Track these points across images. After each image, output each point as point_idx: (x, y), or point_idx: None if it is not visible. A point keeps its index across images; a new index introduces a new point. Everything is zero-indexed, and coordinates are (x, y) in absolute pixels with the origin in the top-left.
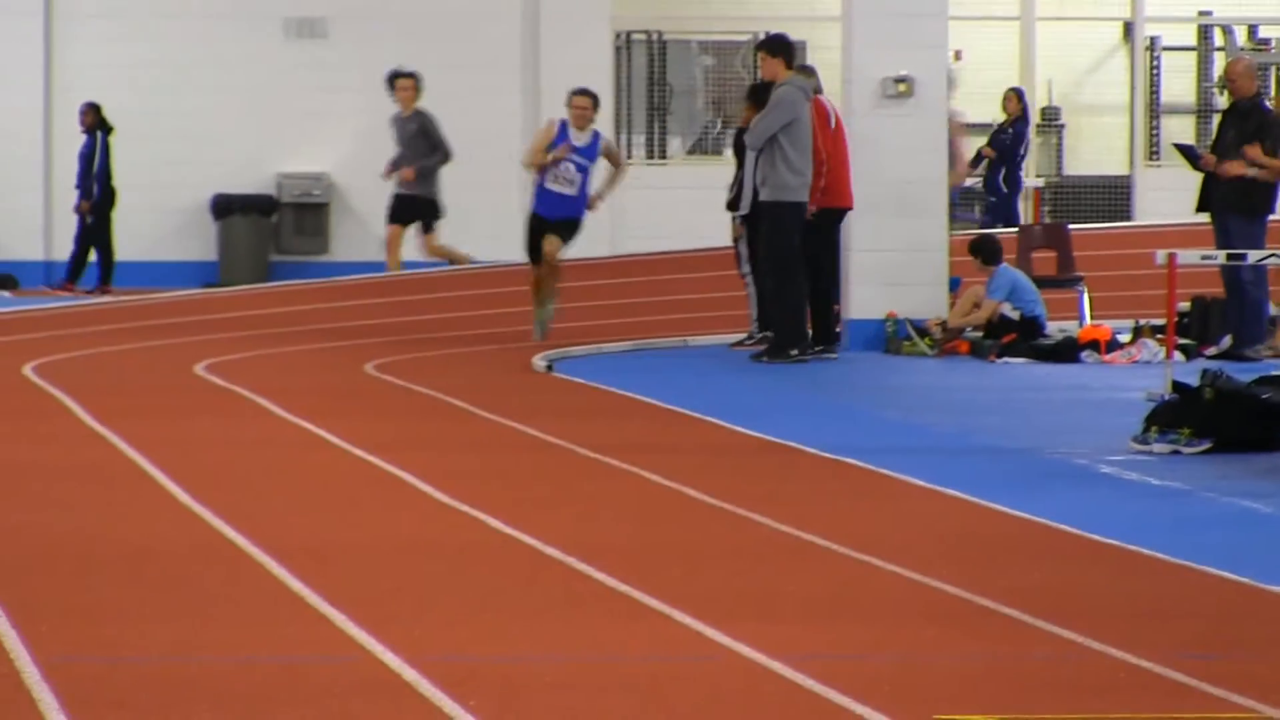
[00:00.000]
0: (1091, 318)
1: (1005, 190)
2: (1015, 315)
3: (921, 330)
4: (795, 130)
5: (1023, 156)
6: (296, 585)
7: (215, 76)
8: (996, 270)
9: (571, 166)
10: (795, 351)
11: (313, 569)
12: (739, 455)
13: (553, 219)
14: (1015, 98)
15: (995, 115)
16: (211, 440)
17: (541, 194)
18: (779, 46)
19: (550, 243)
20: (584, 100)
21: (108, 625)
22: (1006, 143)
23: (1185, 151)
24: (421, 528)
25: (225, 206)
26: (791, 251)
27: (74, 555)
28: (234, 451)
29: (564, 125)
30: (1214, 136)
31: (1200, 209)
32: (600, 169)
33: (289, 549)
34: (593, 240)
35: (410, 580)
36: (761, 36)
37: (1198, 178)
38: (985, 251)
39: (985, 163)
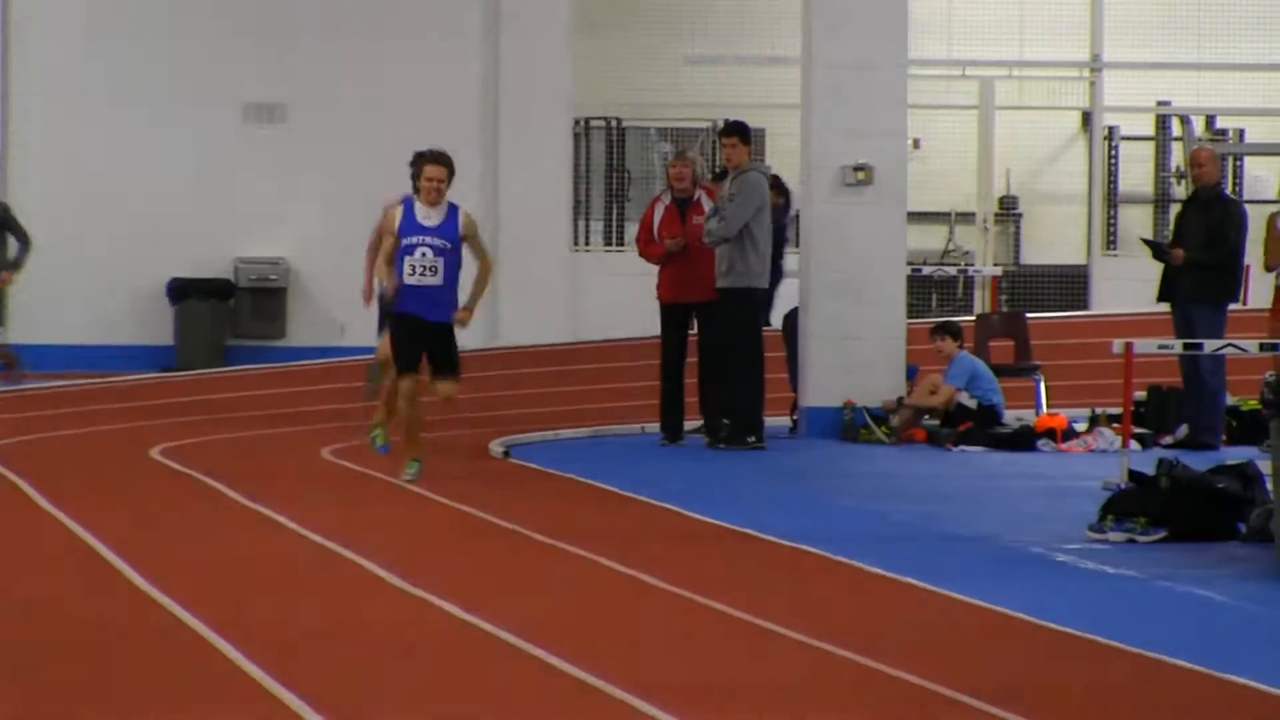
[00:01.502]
0: (1048, 406)
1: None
2: (973, 404)
3: (879, 419)
4: (763, 217)
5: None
6: (254, 670)
7: (173, 160)
8: (955, 358)
9: (429, 252)
10: (753, 439)
11: (270, 654)
12: (696, 542)
13: (432, 321)
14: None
15: (954, 204)
16: (168, 524)
17: (407, 292)
18: (748, 132)
19: (448, 387)
20: (436, 170)
21: (67, 709)
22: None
23: (1153, 246)
24: (377, 613)
25: (182, 290)
26: (760, 338)
27: (28, 640)
28: (190, 536)
29: (409, 203)
30: (1173, 226)
31: (1161, 298)
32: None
33: (246, 633)
34: (551, 327)
35: (366, 665)
36: (720, 124)
37: (1158, 267)
38: (951, 330)
39: None
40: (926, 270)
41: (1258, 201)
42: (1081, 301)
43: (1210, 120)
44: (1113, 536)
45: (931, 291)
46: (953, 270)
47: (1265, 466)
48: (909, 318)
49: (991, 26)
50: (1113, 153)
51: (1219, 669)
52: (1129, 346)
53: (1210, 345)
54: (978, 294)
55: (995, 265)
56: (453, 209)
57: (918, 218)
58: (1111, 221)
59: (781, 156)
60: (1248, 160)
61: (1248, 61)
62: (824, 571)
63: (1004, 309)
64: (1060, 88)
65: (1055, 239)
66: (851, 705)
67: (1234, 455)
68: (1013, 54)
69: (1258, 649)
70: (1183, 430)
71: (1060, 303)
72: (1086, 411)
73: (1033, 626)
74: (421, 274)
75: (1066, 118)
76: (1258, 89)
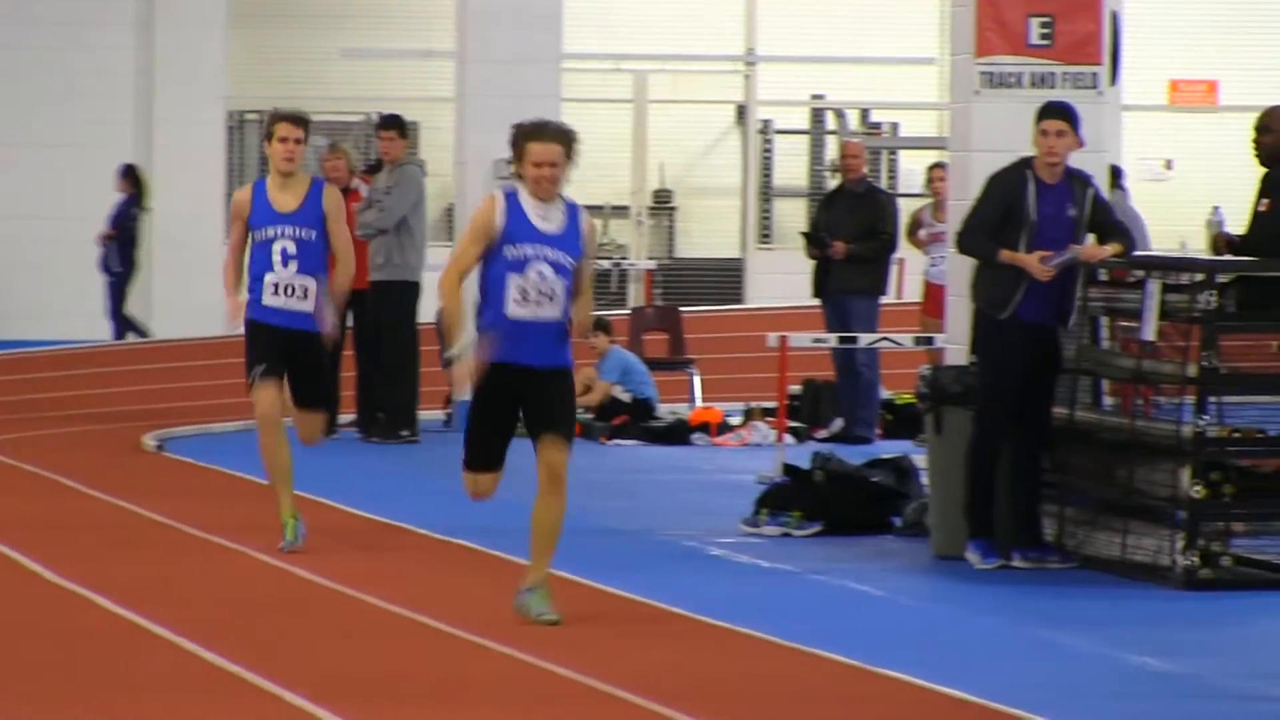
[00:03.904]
0: (703, 400)
1: (121, 269)
2: (626, 397)
3: None
4: (421, 210)
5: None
6: None
7: None
8: (608, 352)
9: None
10: (406, 432)
11: None
12: (350, 535)
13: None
14: (123, 177)
15: (608, 198)
16: None
17: (506, 331)
18: (406, 126)
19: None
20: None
21: None
22: (128, 222)
23: (812, 239)
24: (29, 609)
25: None
26: (415, 332)
27: None
28: None
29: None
30: (816, 219)
31: (817, 292)
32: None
33: None
34: (206, 319)
35: (11, 660)
36: (375, 117)
37: (811, 262)
38: (602, 325)
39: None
40: None
41: (908, 195)
42: (736, 295)
43: (865, 114)
44: (767, 530)
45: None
46: (607, 264)
47: (920, 460)
48: None
49: (646, 20)
50: (767, 146)
51: (872, 662)
52: (784, 340)
53: (865, 339)
54: (632, 287)
55: (649, 259)
56: (572, 209)
57: None
58: (766, 215)
59: (435, 150)
60: (902, 154)
61: (901, 56)
62: (479, 565)
63: (658, 302)
64: (715, 81)
65: (710, 232)
66: (506, 698)
67: (889, 449)
68: (667, 48)
69: (910, 642)
70: (838, 424)
71: (715, 296)
72: (742, 405)
73: (687, 620)
74: (538, 300)
75: (721, 111)
76: (911, 83)
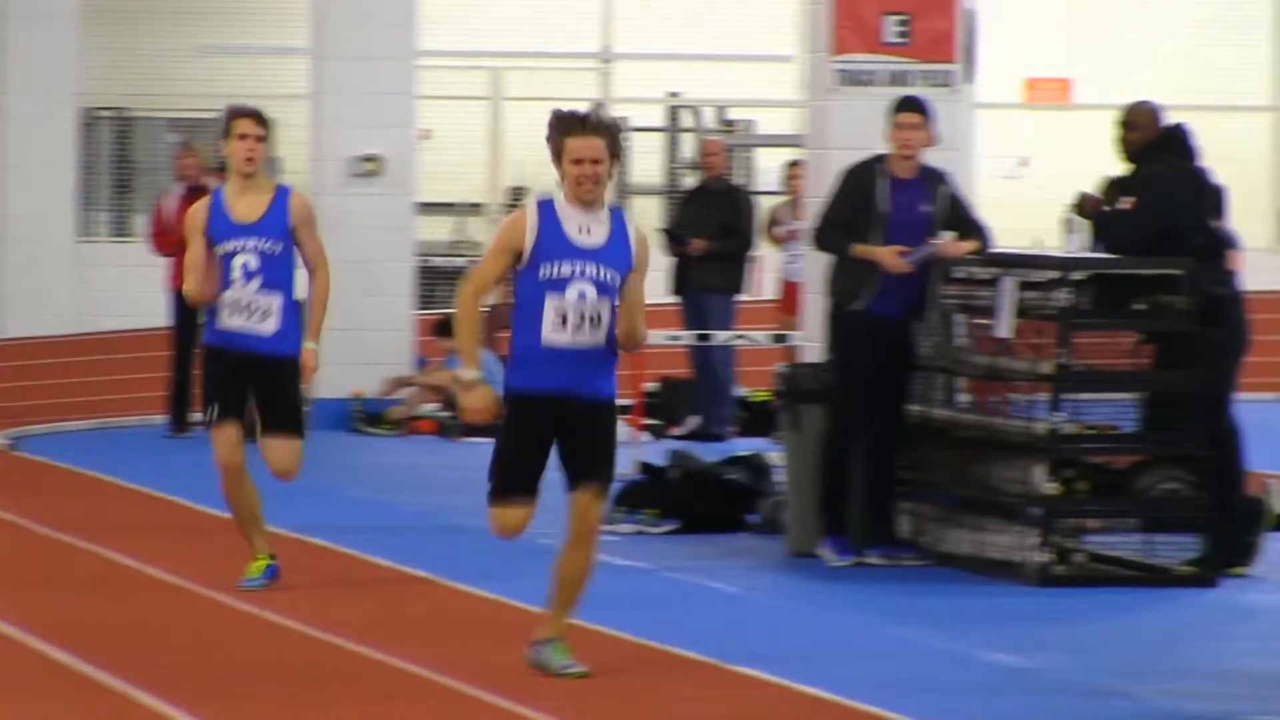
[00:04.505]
0: None
1: None
2: None
3: (383, 411)
4: None
5: None
6: None
7: None
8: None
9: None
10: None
11: None
12: (201, 535)
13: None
14: None
15: (464, 195)
16: None
17: (542, 359)
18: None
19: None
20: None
21: None
22: None
23: (672, 236)
24: None
25: None
26: None
27: None
28: None
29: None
30: (678, 217)
31: (677, 290)
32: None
33: None
34: (57, 318)
35: None
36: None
37: (672, 260)
38: (449, 329)
39: None
40: (435, 261)
41: (766, 192)
42: None
43: (721, 112)
44: (623, 528)
45: (439, 283)
46: (462, 261)
47: (776, 458)
48: (417, 309)
49: (503, 17)
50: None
51: (727, 660)
52: None
53: (720, 336)
54: None
55: None
56: (617, 216)
57: (427, 209)
58: None
59: (291, 147)
60: (759, 152)
61: (759, 54)
62: (334, 564)
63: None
64: (572, 79)
65: None
66: (363, 696)
67: (745, 446)
68: (524, 45)
69: (765, 640)
70: (694, 421)
71: None
72: None
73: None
74: (578, 325)
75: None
76: (768, 81)
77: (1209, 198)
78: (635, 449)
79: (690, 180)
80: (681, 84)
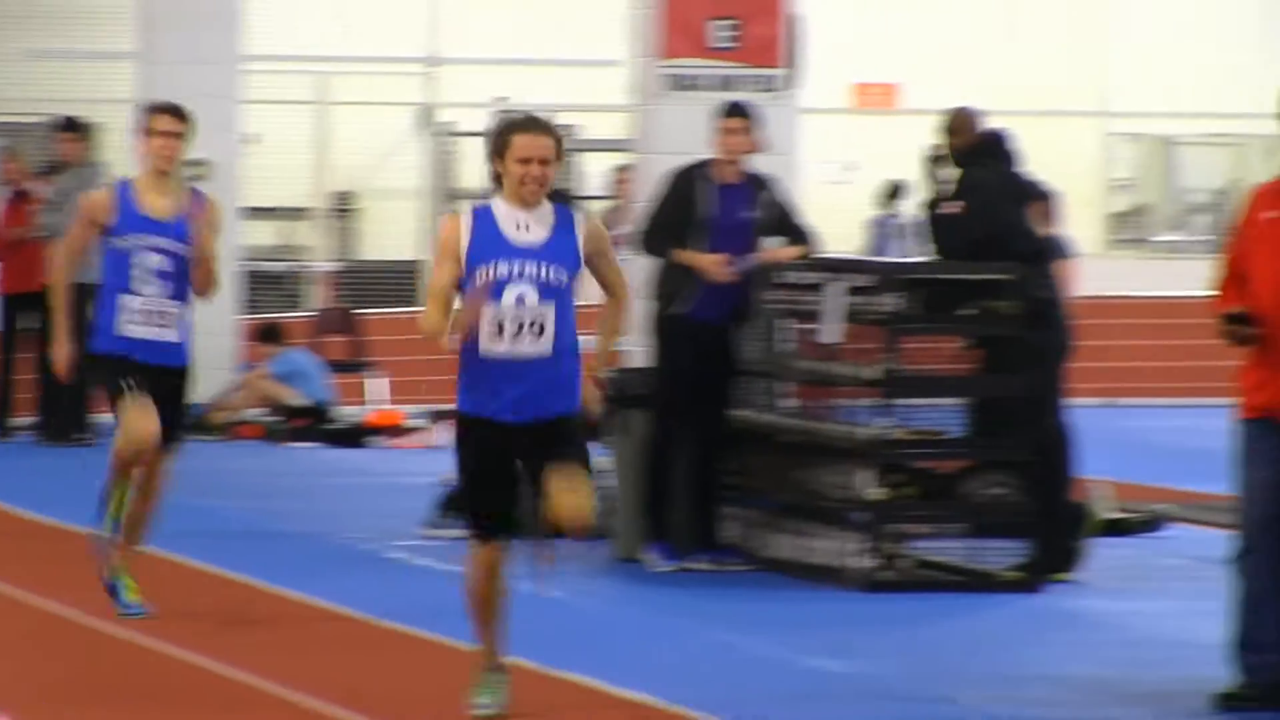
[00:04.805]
0: (387, 403)
1: None
2: (304, 400)
3: (206, 419)
4: None
5: None
6: None
7: None
8: (284, 355)
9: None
10: (80, 434)
11: None
12: (19, 539)
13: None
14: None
15: (289, 200)
16: None
17: (481, 374)
18: (85, 128)
19: (576, 502)
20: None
21: None
22: None
23: None
24: None
25: None
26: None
27: None
28: None
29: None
30: None
31: None
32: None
33: None
34: None
35: None
36: (59, 119)
37: None
38: (272, 334)
39: None
40: (259, 266)
41: (593, 197)
42: (412, 297)
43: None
44: (450, 533)
45: (264, 287)
46: (284, 266)
47: (604, 462)
48: (242, 314)
49: (330, 22)
50: (449, 148)
51: (551, 665)
52: None
53: None
54: (312, 289)
55: (330, 260)
56: (563, 211)
57: (252, 213)
58: None
59: (120, 152)
60: (587, 156)
61: (587, 58)
62: (151, 568)
63: (338, 304)
64: (398, 83)
65: (391, 235)
66: (180, 700)
67: None
68: (350, 49)
69: (590, 644)
70: None
71: (395, 299)
72: (426, 408)
73: (362, 623)
74: (516, 333)
75: (403, 113)
76: (597, 86)
77: (1038, 203)
78: None
79: None
80: (508, 88)
